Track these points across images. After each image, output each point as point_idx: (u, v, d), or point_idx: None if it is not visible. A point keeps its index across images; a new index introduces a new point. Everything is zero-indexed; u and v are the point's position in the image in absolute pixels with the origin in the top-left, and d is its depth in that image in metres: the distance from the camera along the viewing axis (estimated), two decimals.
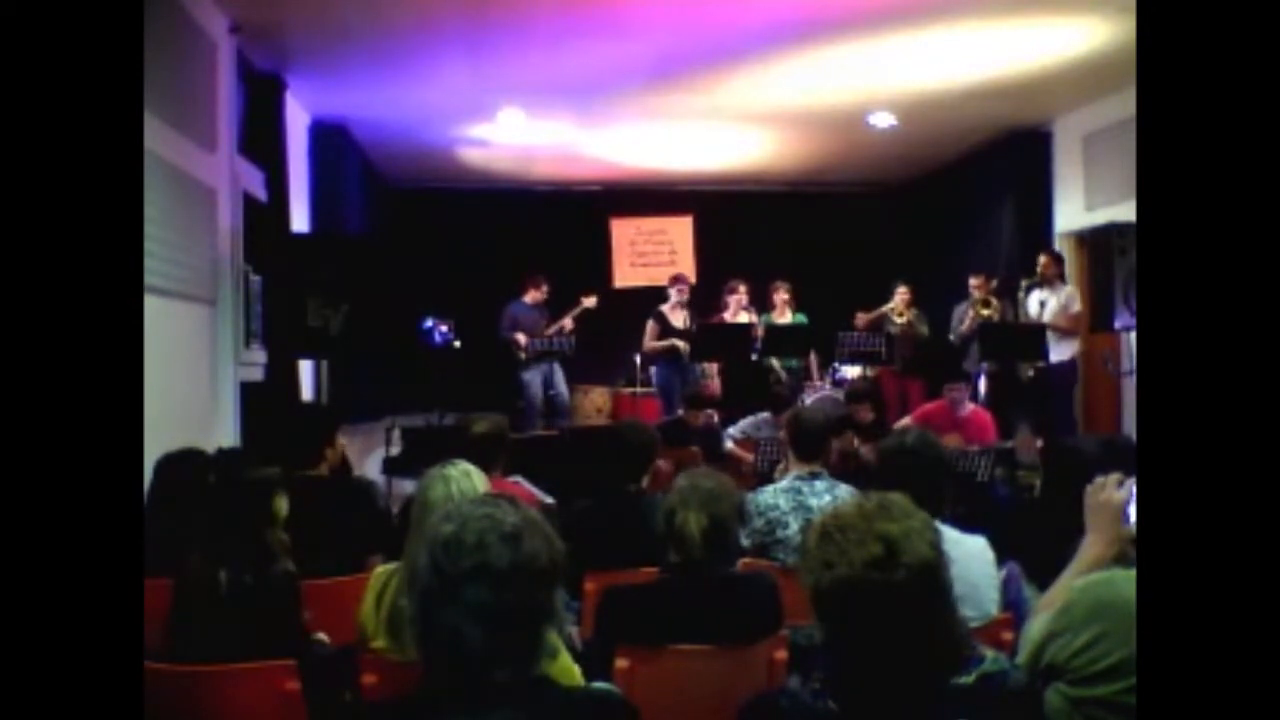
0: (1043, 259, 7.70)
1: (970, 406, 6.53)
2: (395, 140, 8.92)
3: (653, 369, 8.76)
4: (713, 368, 8.50)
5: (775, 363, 8.33)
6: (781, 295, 8.63)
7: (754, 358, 8.00)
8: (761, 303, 8.69)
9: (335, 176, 8.33)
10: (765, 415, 6.71)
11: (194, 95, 5.48)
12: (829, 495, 3.58)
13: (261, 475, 2.86)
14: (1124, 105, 7.44)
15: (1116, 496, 2.09)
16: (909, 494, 1.61)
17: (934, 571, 1.50)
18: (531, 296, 8.92)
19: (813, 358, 8.68)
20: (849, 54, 6.72)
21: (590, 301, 8.96)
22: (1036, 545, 2.96)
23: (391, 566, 2.62)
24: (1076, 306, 7.58)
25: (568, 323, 8.83)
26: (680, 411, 6.89)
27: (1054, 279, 7.62)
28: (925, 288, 9.05)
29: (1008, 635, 2.60)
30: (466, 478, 2.69)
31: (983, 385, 7.77)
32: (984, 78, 7.22)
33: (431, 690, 1.46)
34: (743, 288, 8.52)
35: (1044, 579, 2.35)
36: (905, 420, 6.47)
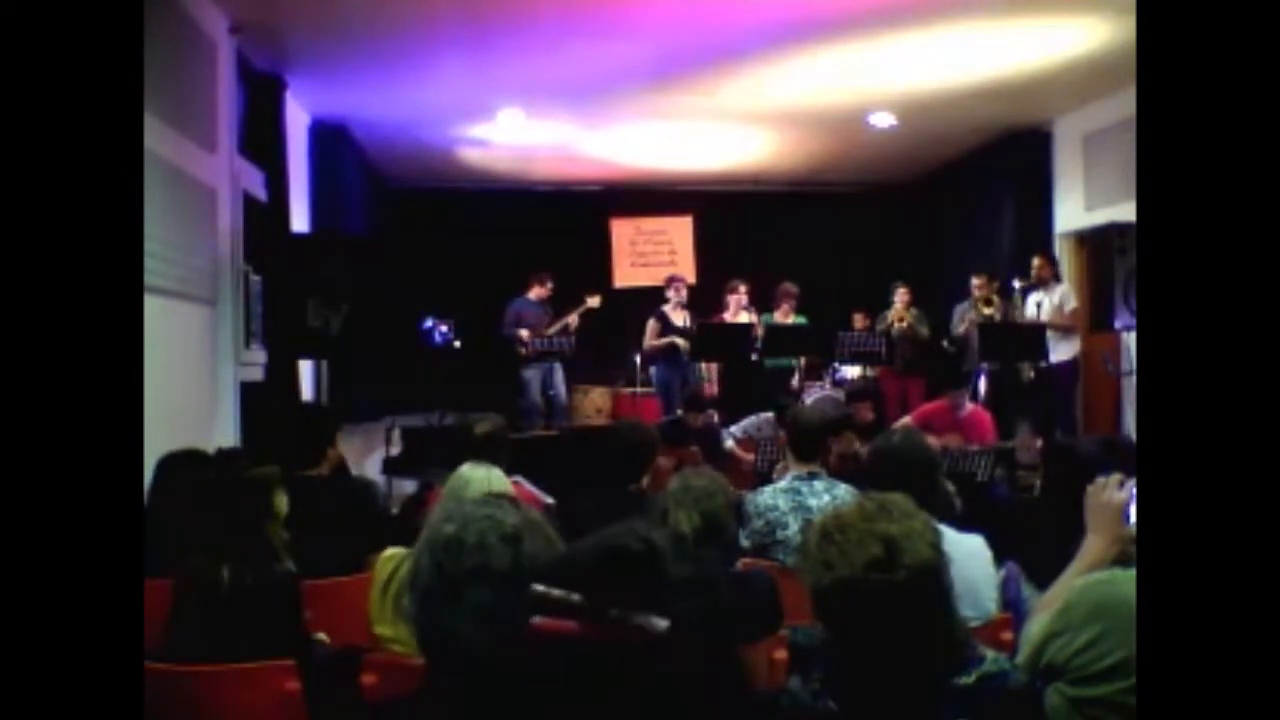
0: (1036, 261, 7.75)
1: (970, 406, 6.53)
2: (395, 140, 8.92)
3: (652, 369, 8.76)
4: (712, 368, 8.49)
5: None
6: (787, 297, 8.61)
7: (754, 358, 8.00)
8: (762, 303, 8.69)
9: (335, 176, 8.33)
10: (768, 415, 6.71)
11: (194, 95, 5.48)
12: (828, 495, 3.58)
13: (261, 474, 2.87)
14: (1124, 105, 7.44)
15: (1117, 497, 2.09)
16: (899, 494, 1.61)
17: (935, 572, 1.50)
18: (536, 293, 8.93)
19: (802, 361, 8.66)
20: (849, 54, 6.73)
21: (594, 301, 8.96)
22: (1036, 545, 2.96)
23: (400, 552, 2.63)
24: (1072, 304, 7.62)
25: (573, 319, 8.82)
26: (680, 412, 6.90)
27: (1049, 279, 7.67)
28: (925, 288, 9.06)
29: (1008, 635, 2.60)
30: (499, 480, 2.83)
31: (983, 385, 7.78)
32: (984, 78, 7.22)
33: (433, 690, 1.46)
34: (743, 287, 8.52)
35: (1044, 579, 2.35)
36: (905, 420, 6.47)
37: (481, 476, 2.97)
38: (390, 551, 2.72)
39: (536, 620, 1.15)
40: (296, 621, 2.69)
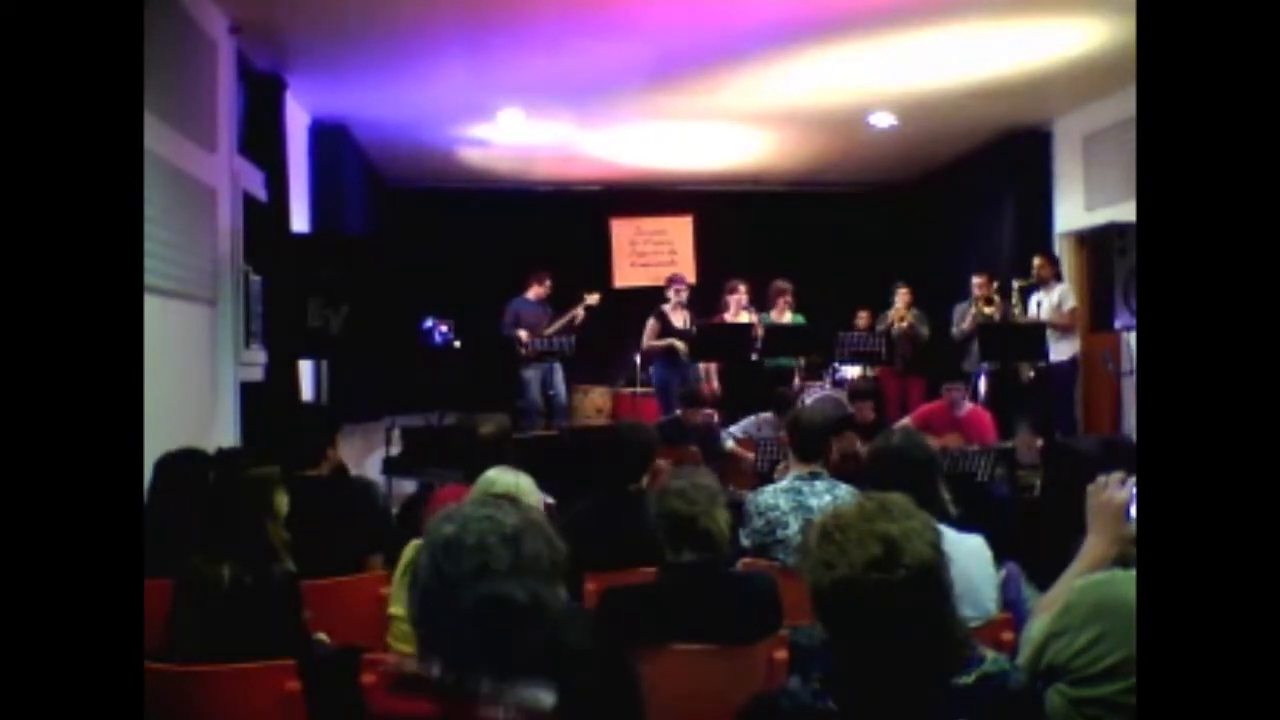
0: (1037, 260, 7.78)
1: (969, 406, 6.53)
2: (395, 140, 8.92)
3: (651, 369, 8.76)
4: (711, 368, 8.49)
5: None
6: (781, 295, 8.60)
7: (754, 357, 7.99)
8: (762, 303, 8.69)
9: (335, 176, 8.32)
10: (767, 415, 6.70)
11: (194, 95, 5.48)
12: (829, 495, 3.58)
13: (261, 474, 2.86)
14: (1124, 105, 7.44)
15: (1118, 496, 2.08)
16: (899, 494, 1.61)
17: (934, 572, 1.50)
18: (535, 292, 8.93)
19: (802, 361, 8.65)
20: (849, 54, 6.72)
21: (593, 298, 8.96)
22: (1036, 545, 2.96)
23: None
24: (1070, 303, 7.64)
25: (580, 312, 8.80)
26: (678, 411, 6.90)
27: (1049, 279, 7.69)
28: (925, 288, 9.06)
29: (1008, 635, 2.60)
30: (527, 485, 2.98)
31: (983, 385, 7.78)
32: (984, 78, 7.22)
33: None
34: (743, 287, 8.50)
35: (1044, 579, 2.34)
36: (905, 420, 6.47)
37: (510, 482, 2.98)
38: (418, 541, 2.80)
39: (389, 696, 0.94)
40: (296, 621, 2.69)
